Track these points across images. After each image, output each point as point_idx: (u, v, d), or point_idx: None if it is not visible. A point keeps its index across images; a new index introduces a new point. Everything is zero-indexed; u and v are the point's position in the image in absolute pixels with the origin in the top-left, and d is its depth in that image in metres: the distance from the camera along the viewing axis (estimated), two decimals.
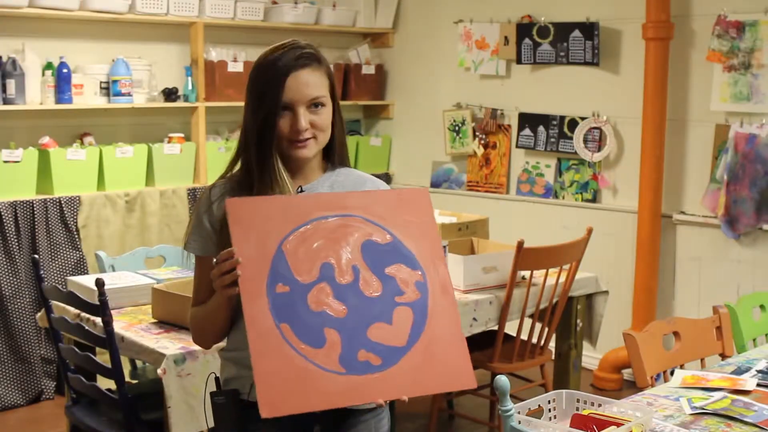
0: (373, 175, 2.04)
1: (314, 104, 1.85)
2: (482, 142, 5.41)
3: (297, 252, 1.69)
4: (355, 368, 1.63)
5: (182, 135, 5.00)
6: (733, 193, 4.28)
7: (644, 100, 4.55)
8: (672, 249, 4.67)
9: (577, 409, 1.91)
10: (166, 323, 2.98)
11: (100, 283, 2.75)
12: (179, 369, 2.68)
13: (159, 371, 2.66)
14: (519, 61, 5.16)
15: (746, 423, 1.96)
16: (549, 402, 1.93)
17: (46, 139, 4.49)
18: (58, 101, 4.49)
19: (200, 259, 1.92)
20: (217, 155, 5.06)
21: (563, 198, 5.11)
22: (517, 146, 5.26)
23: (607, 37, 4.83)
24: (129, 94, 4.71)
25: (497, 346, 3.59)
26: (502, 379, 1.70)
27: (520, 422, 1.76)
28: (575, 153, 4.97)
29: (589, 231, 3.67)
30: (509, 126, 5.32)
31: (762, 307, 2.92)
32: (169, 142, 4.93)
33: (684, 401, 2.10)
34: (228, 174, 1.93)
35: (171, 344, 2.77)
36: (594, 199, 4.99)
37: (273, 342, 1.60)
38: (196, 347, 2.35)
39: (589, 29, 4.83)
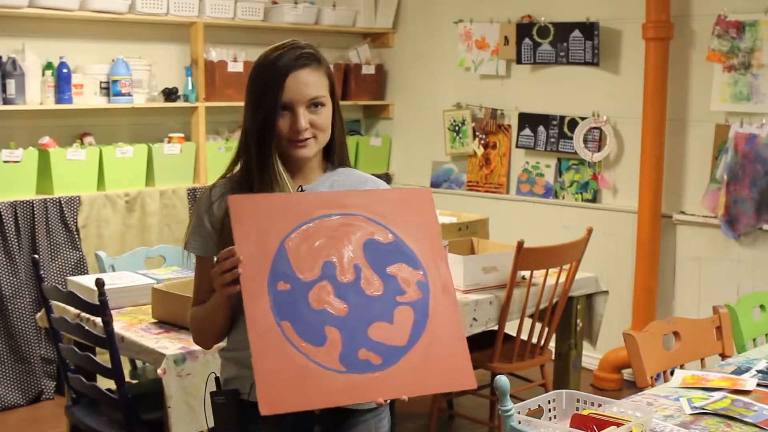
0: (373, 175, 2.04)
1: (314, 104, 1.86)
2: (482, 142, 5.41)
3: (299, 250, 1.69)
4: (355, 367, 1.63)
5: (182, 135, 5.00)
6: (733, 193, 4.28)
7: (644, 100, 4.55)
8: (672, 249, 4.67)
9: (577, 409, 1.91)
10: (166, 323, 2.98)
11: (100, 283, 2.75)
12: (179, 369, 2.68)
13: (159, 371, 2.66)
14: (519, 61, 5.16)
15: (746, 423, 1.96)
16: (549, 402, 1.93)
17: (46, 139, 4.49)
18: (58, 101, 4.49)
19: (201, 259, 1.92)
20: (217, 155, 5.06)
21: (563, 198, 5.11)
22: (517, 146, 5.26)
23: (607, 37, 4.83)
24: (129, 94, 4.71)
25: (497, 346, 3.59)
26: (502, 379, 1.70)
27: (520, 422, 1.76)
28: (575, 153, 4.97)
29: (589, 231, 3.67)
30: (509, 126, 5.32)
31: (762, 307, 2.92)
32: (169, 142, 4.93)
33: (684, 401, 2.10)
34: (228, 174, 1.93)
35: (171, 344, 2.77)
36: (594, 199, 4.99)
37: (274, 340, 1.60)
38: (196, 347, 2.36)
39: (589, 29, 4.83)
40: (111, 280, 3.25)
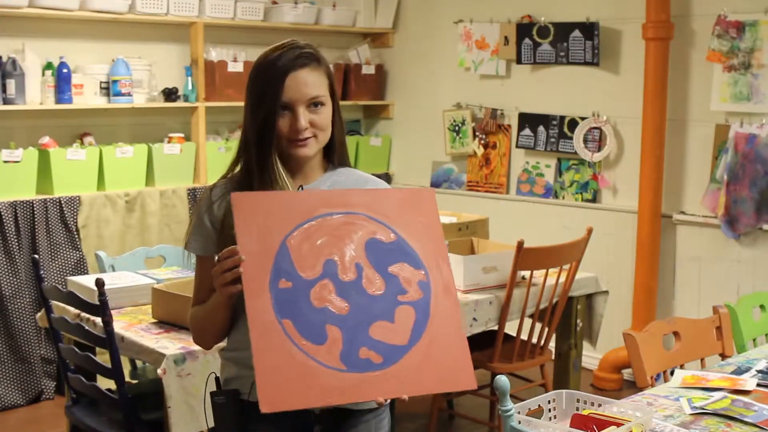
0: (373, 175, 2.04)
1: (314, 103, 1.86)
2: (482, 142, 5.41)
3: (301, 248, 1.69)
4: (356, 366, 1.63)
5: (182, 135, 5.00)
6: (733, 193, 4.28)
7: (644, 100, 4.55)
8: (672, 249, 4.67)
9: (577, 409, 1.91)
10: (166, 323, 2.98)
11: (100, 283, 2.75)
12: (179, 369, 2.68)
13: (159, 371, 2.66)
14: (519, 61, 5.16)
15: (746, 423, 1.96)
16: (549, 402, 1.93)
17: (46, 139, 4.49)
18: (58, 101, 4.49)
19: (201, 258, 1.92)
20: (217, 155, 5.06)
21: (563, 198, 5.11)
22: (517, 146, 5.26)
23: (607, 37, 4.83)
24: (129, 94, 4.71)
25: (497, 346, 3.59)
26: (502, 379, 1.70)
27: (520, 422, 1.76)
28: (575, 153, 4.97)
29: (589, 231, 3.67)
30: (509, 126, 5.32)
31: (762, 307, 2.92)
32: (169, 142, 4.93)
33: (684, 401, 2.10)
34: (229, 175, 1.94)
35: (171, 344, 2.77)
36: (594, 199, 4.99)
37: (274, 337, 1.60)
38: (196, 347, 2.36)
39: (589, 29, 4.83)
40: (111, 280, 3.25)
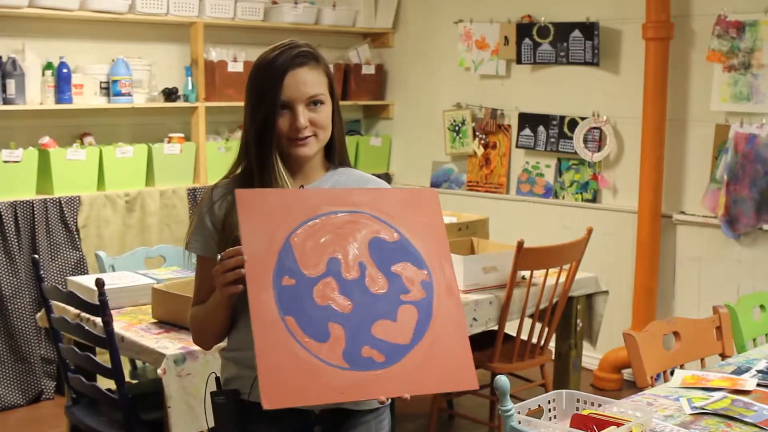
0: (373, 175, 2.04)
1: (313, 102, 1.86)
2: (482, 142, 5.41)
3: (304, 245, 1.69)
4: (358, 364, 1.63)
5: (182, 135, 5.00)
6: (733, 193, 4.28)
7: (644, 100, 4.55)
8: (672, 249, 4.67)
9: (577, 409, 1.91)
10: (166, 323, 2.98)
11: (100, 283, 2.75)
12: (179, 369, 2.68)
13: (159, 371, 2.66)
14: (519, 61, 5.16)
15: (746, 423, 1.96)
16: (549, 402, 1.93)
17: (46, 139, 4.49)
18: (58, 101, 4.49)
19: (202, 259, 1.92)
20: (217, 155, 5.06)
21: (563, 198, 5.11)
22: (517, 146, 5.26)
23: (607, 37, 4.83)
24: (129, 94, 4.71)
25: (497, 346, 3.59)
26: (502, 379, 1.70)
27: (520, 422, 1.76)
28: (575, 153, 4.97)
29: (589, 231, 3.67)
30: (509, 126, 5.32)
31: (762, 307, 2.92)
32: (169, 142, 4.93)
33: (684, 401, 2.10)
34: (231, 175, 1.94)
35: (171, 344, 2.77)
36: (594, 199, 4.99)
37: (277, 334, 1.60)
38: (196, 347, 2.35)
39: (589, 29, 4.83)
40: (111, 280, 3.25)
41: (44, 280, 3.08)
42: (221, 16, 5.08)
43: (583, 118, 4.93)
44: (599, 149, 4.88)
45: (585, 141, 4.92)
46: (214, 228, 1.88)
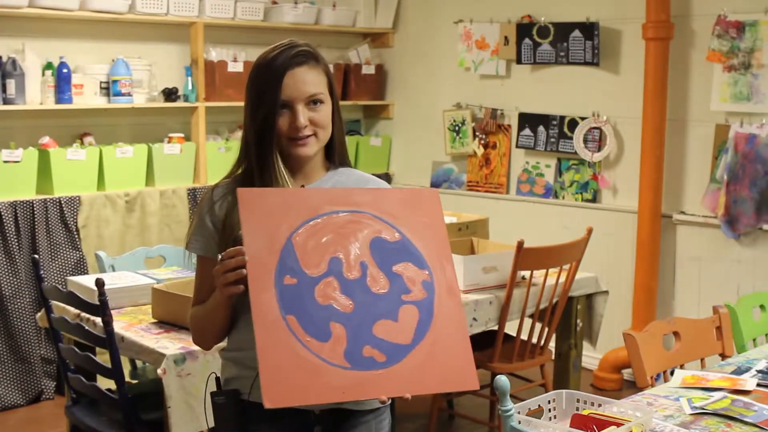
0: (373, 175, 2.04)
1: (313, 101, 1.86)
2: (482, 142, 5.41)
3: (306, 245, 1.69)
4: (359, 364, 1.63)
5: (182, 135, 5.00)
6: (733, 193, 4.28)
7: (644, 100, 4.55)
8: (672, 249, 4.67)
9: (577, 409, 1.91)
10: (166, 323, 2.98)
11: (100, 283, 2.75)
12: (179, 369, 2.68)
13: (159, 371, 2.66)
14: (519, 61, 5.16)
15: (746, 423, 1.96)
16: (549, 402, 1.93)
17: (46, 139, 4.49)
18: (58, 101, 4.49)
19: (202, 258, 1.92)
20: (217, 155, 5.06)
21: (563, 198, 5.11)
22: (517, 146, 5.26)
23: (607, 37, 4.83)
24: (129, 94, 4.71)
25: (497, 346, 3.59)
26: (502, 379, 1.70)
27: (520, 422, 1.76)
28: (575, 153, 4.97)
29: (589, 231, 3.67)
30: (509, 126, 5.32)
31: (762, 307, 2.92)
32: (169, 142, 4.93)
33: (684, 401, 2.10)
34: (232, 175, 1.94)
35: (171, 344, 2.77)
36: (594, 199, 4.99)
37: (279, 333, 1.60)
38: (196, 347, 2.35)
39: (589, 29, 4.83)
40: (111, 280, 3.25)
41: (44, 280, 3.08)
42: (221, 16, 5.08)
43: (583, 118, 4.93)
44: (599, 149, 4.88)
45: (585, 141, 4.92)
46: (215, 228, 1.88)
